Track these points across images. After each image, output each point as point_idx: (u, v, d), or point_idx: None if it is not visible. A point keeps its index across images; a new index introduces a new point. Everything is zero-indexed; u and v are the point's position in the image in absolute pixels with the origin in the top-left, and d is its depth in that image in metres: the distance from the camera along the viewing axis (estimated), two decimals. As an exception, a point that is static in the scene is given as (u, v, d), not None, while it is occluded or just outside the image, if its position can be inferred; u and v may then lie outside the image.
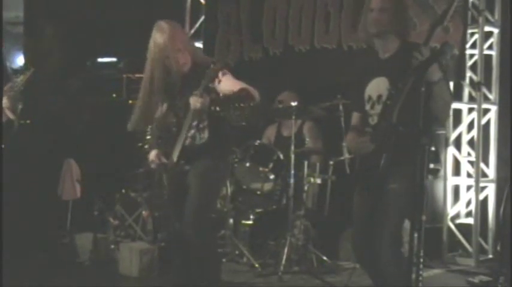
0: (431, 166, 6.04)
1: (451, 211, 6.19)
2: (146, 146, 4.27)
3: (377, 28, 3.56)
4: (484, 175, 6.10)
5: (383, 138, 3.45)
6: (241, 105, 3.88)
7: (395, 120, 3.40)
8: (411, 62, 3.26)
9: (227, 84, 3.94)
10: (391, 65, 3.54)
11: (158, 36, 3.96)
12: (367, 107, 3.64)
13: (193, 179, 4.04)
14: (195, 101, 3.83)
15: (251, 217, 5.94)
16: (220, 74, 3.88)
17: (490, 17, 6.06)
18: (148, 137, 4.27)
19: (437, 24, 3.31)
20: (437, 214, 6.16)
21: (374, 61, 3.68)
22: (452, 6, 3.30)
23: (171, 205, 4.20)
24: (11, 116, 4.56)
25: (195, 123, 3.98)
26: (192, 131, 4.00)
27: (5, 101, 4.40)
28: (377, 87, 3.59)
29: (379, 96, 3.56)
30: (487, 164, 6.11)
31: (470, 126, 6.15)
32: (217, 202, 5.58)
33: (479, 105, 6.00)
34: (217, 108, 3.89)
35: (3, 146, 4.56)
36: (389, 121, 3.41)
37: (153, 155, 4.14)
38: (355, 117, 3.82)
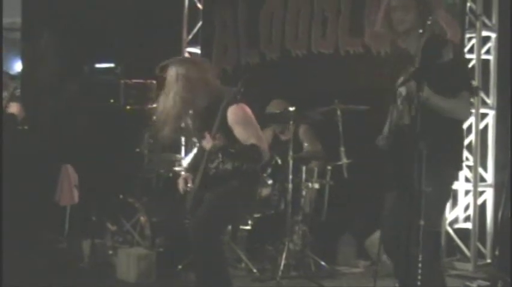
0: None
1: (449, 216, 6.18)
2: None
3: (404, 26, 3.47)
4: (482, 180, 6.10)
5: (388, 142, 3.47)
6: (246, 159, 4.04)
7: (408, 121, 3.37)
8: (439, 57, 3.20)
9: (241, 133, 4.06)
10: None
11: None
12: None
13: (210, 194, 4.15)
14: (205, 143, 3.98)
15: (249, 222, 5.93)
16: (234, 109, 4.04)
17: (487, 22, 6.07)
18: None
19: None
20: (436, 219, 6.15)
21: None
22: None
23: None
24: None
25: (213, 157, 4.12)
26: (214, 163, 4.15)
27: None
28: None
29: (400, 94, 3.51)
30: (485, 169, 6.11)
31: (468, 131, 6.14)
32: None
33: (477, 110, 6.00)
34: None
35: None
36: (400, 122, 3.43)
37: (181, 179, 4.36)
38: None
